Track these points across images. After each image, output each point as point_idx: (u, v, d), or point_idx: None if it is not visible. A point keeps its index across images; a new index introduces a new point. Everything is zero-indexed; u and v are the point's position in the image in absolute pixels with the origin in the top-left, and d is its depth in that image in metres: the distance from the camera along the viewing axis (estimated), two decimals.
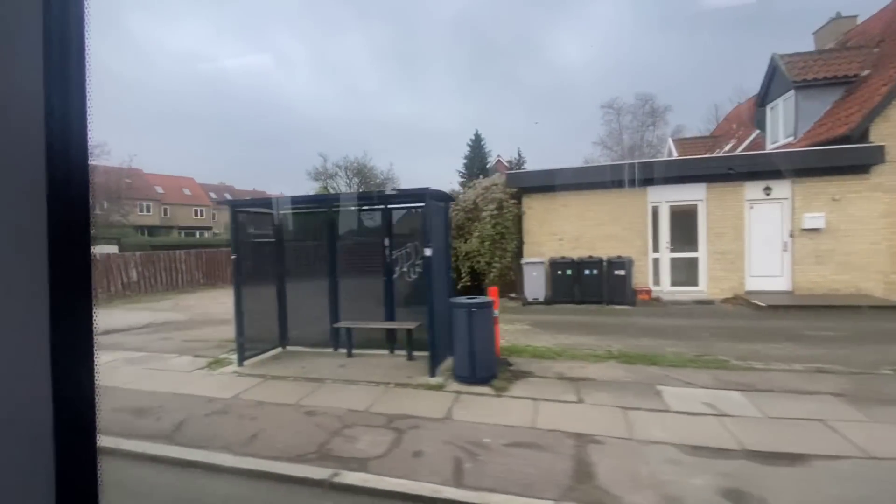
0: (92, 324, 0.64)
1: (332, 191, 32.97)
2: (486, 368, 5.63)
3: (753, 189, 10.82)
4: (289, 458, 3.91)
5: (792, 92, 12.98)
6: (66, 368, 0.59)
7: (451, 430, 4.36)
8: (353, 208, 7.53)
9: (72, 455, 0.59)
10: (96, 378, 0.64)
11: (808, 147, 11.61)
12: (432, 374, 5.91)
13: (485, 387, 5.51)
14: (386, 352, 7.26)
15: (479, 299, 5.73)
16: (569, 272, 11.04)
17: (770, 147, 14.39)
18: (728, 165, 10.71)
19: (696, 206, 11.21)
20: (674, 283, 11.41)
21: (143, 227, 40.56)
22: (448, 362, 6.28)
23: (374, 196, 7.02)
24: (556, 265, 11.17)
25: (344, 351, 7.37)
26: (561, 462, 3.74)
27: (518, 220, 12.12)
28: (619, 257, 10.81)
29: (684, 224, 11.36)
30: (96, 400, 0.65)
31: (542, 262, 11.18)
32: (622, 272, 10.69)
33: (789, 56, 13.41)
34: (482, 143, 34.58)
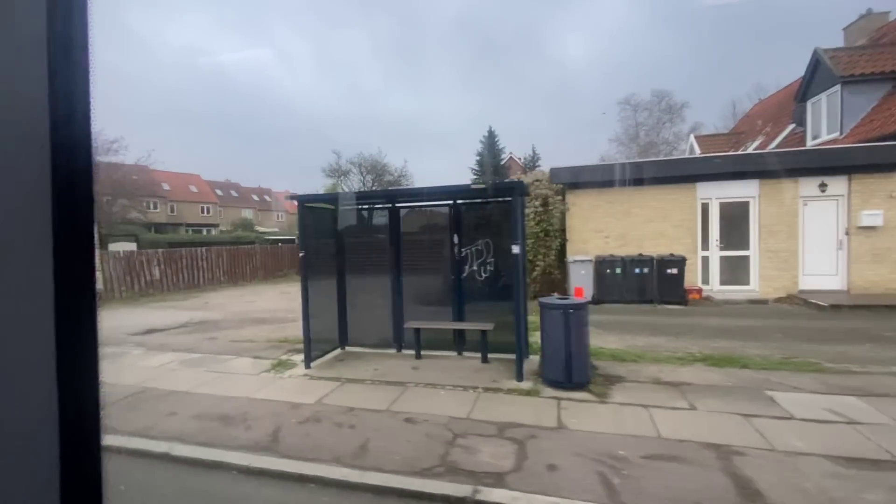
0: (96, 323, 0.65)
1: (345, 189, 32.61)
2: (581, 373, 5.33)
3: (808, 185, 10.53)
4: (414, 471, 3.61)
5: (837, 87, 12.70)
6: (70, 368, 0.59)
7: (574, 441, 4.07)
8: (417, 204, 7.21)
9: (76, 455, 0.60)
10: (101, 377, 0.65)
11: (858, 143, 11.33)
12: (520, 379, 5.62)
13: (582, 392, 5.21)
14: (454, 353, 6.96)
15: (574, 300, 5.43)
16: (617, 271, 10.74)
17: (811, 143, 14.11)
18: (785, 161, 10.40)
19: (747, 202, 10.92)
20: (723, 283, 11.14)
21: (151, 224, 40.09)
22: (529, 365, 5.98)
23: (441, 191, 6.68)
24: (603, 263, 10.87)
25: (409, 352, 7.07)
26: (715, 477, 3.45)
27: (562, 216, 11.81)
28: (672, 255, 10.52)
29: (735, 221, 11.08)
30: (101, 399, 0.64)
31: (590, 261, 10.88)
32: (674, 271, 10.40)
33: (833, 51, 13.13)
34: (496, 140, 34.25)
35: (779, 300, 10.58)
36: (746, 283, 11.02)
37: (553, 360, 5.42)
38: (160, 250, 16.71)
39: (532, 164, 34.80)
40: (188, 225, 45.50)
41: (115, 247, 18.27)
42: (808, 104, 14.24)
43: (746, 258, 11.02)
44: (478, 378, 5.82)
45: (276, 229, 51.19)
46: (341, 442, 4.13)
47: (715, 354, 6.57)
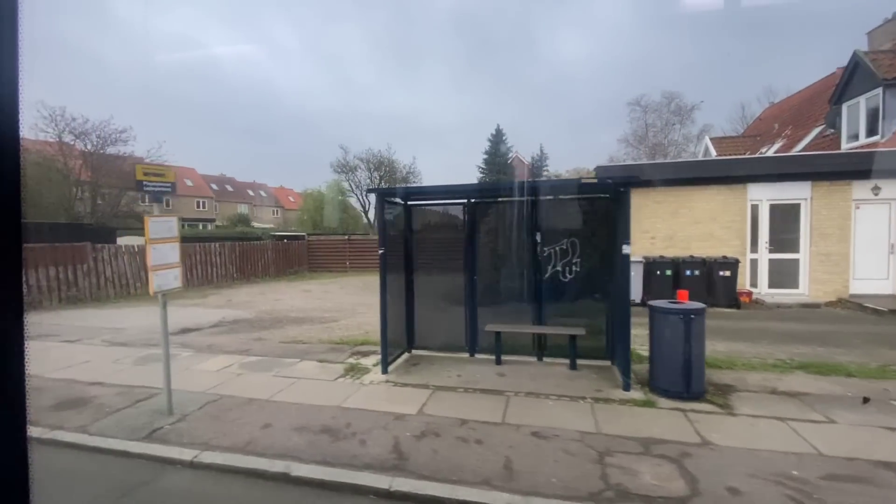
0: (22, 317, 0.63)
1: (352, 185, 32.05)
2: (699, 383, 5.00)
3: (861, 189, 10.39)
4: (581, 496, 3.23)
5: (879, 90, 12.61)
6: None
7: (733, 460, 3.72)
8: (496, 200, 6.80)
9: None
10: (26, 370, 0.64)
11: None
12: (626, 388, 5.26)
13: (703, 403, 4.88)
14: (533, 358, 6.58)
15: (692, 304, 5.09)
16: (668, 272, 10.48)
17: (846, 146, 14.03)
18: (838, 163, 10.24)
19: (798, 205, 10.75)
20: (771, 285, 10.95)
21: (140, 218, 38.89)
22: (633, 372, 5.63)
23: (524, 186, 6.29)
24: (653, 265, 10.59)
25: (483, 357, 6.70)
26: None
27: None
28: (725, 258, 10.29)
29: (784, 224, 10.89)
30: (26, 390, 0.64)
31: (639, 262, 10.58)
32: (727, 273, 10.17)
33: (874, 53, 13.04)
34: (504, 138, 33.94)
35: (829, 304, 10.42)
36: (795, 286, 10.84)
37: (666, 369, 5.08)
38: None
39: (540, 163, 34.58)
40: (184, 219, 44.27)
41: (123, 241, 17.47)
42: (844, 107, 14.16)
43: (796, 261, 10.84)
44: (575, 387, 5.45)
45: (271, 225, 50.20)
46: (479, 461, 3.72)
47: (809, 362, 6.30)
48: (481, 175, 34.55)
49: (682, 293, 5.61)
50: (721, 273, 10.21)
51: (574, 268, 6.52)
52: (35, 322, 9.79)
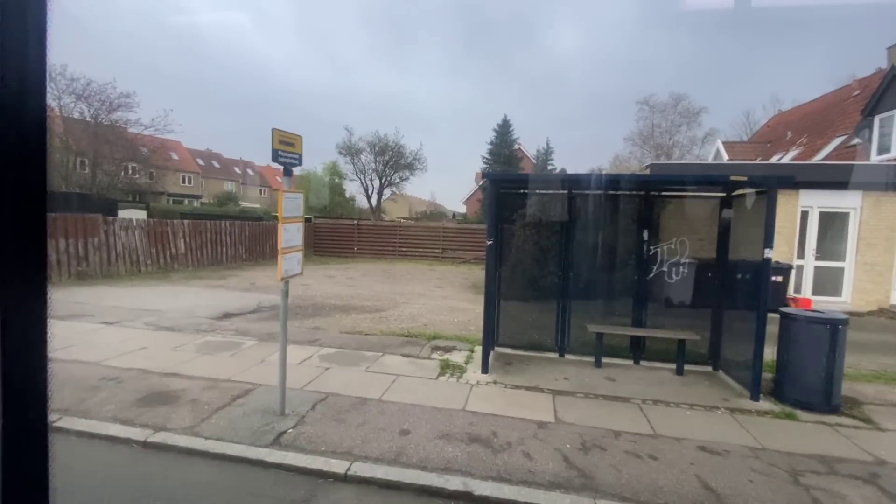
0: (46, 303, 0.62)
1: (356, 168, 31.11)
2: (838, 396, 4.81)
3: None
4: None
5: None
6: (16, 349, 0.58)
7: None
8: (600, 192, 6.42)
9: (21, 434, 0.59)
10: (49, 357, 0.63)
11: None
12: (755, 398, 5.03)
13: (842, 417, 4.69)
14: (629, 361, 6.30)
15: (836, 314, 4.87)
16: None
17: (876, 158, 14.24)
18: (891, 174, 10.28)
19: (847, 213, 10.79)
20: (815, 293, 11.00)
21: (130, 192, 36.90)
22: (744, 381, 5.41)
23: (637, 180, 5.95)
24: (706, 268, 10.44)
25: (574, 357, 6.39)
26: None
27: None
28: (778, 263, 10.22)
29: (832, 232, 10.93)
30: (48, 380, 0.62)
31: (693, 263, 10.41)
32: (779, 279, 10.12)
33: None
34: (510, 129, 33.47)
35: (871, 313, 10.54)
36: (838, 294, 10.93)
37: (803, 380, 4.86)
38: (186, 221, 15.03)
39: (546, 157, 34.32)
40: (169, 194, 42.32)
41: (124, 214, 16.34)
42: (877, 118, 14.33)
43: (841, 269, 10.91)
44: (697, 395, 5.19)
45: (258, 205, 48.64)
46: (672, 480, 3.39)
47: None
48: (485, 166, 34.06)
49: (806, 301, 5.42)
50: (773, 278, 10.15)
51: (682, 269, 6.24)
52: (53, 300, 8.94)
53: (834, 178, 10.57)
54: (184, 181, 46.53)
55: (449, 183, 72.08)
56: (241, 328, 7.41)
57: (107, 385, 4.79)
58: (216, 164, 54.91)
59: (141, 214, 17.54)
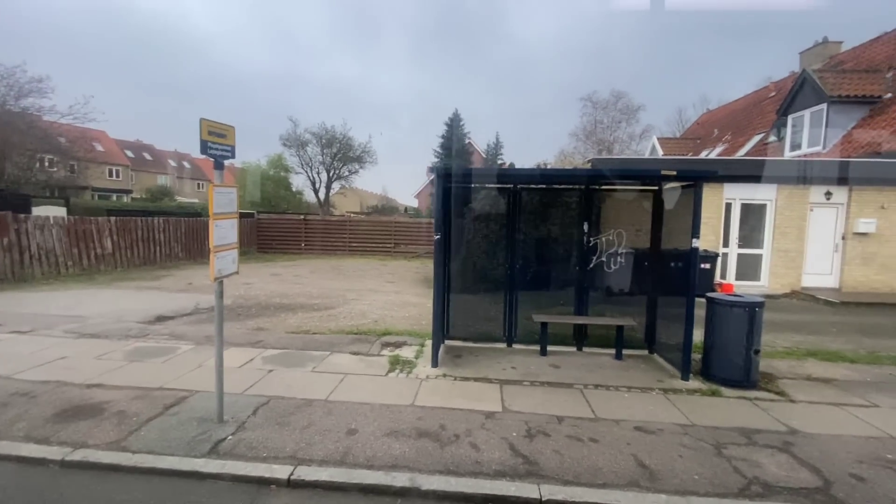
0: None
1: (301, 161, 30.00)
2: (756, 372, 5.26)
3: (816, 193, 11.62)
4: (731, 493, 3.20)
5: (823, 105, 14.15)
6: None
7: (831, 447, 3.91)
8: (543, 187, 6.58)
9: None
10: None
11: (840, 158, 12.73)
12: (685, 378, 5.40)
13: (761, 391, 5.14)
14: (572, 349, 6.56)
15: (754, 297, 5.30)
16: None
17: (789, 154, 15.65)
18: (801, 169, 11.34)
19: (765, 205, 11.79)
20: (738, 278, 11.96)
21: (47, 186, 33.46)
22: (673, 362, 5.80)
23: (577, 174, 6.17)
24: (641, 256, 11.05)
25: (521, 347, 6.57)
26: None
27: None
28: (706, 251, 11.01)
29: (752, 222, 11.91)
30: None
31: (631, 252, 10.98)
32: (707, 266, 10.90)
33: (820, 72, 14.56)
34: (461, 123, 33.66)
35: (785, 295, 11.63)
36: (757, 279, 11.95)
37: (726, 359, 5.28)
38: (113, 218, 13.85)
39: (496, 150, 34.86)
40: (94, 189, 38.80)
41: (39, 211, 14.80)
42: (790, 118, 15.74)
43: (760, 256, 11.93)
44: (635, 377, 5.50)
45: (196, 200, 45.90)
46: (610, 461, 3.56)
47: (813, 350, 6.92)
48: (436, 160, 34.08)
49: (728, 286, 5.85)
50: (702, 266, 10.92)
51: (619, 259, 6.55)
52: None
53: (753, 173, 11.52)
54: (111, 174, 42.96)
55: (403, 176, 71.63)
56: (176, 332, 6.95)
57: (18, 401, 4.32)
58: (148, 157, 51.13)
59: (60, 211, 15.97)
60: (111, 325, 7.20)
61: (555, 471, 3.41)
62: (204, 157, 3.75)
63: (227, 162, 3.80)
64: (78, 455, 3.45)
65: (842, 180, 11.40)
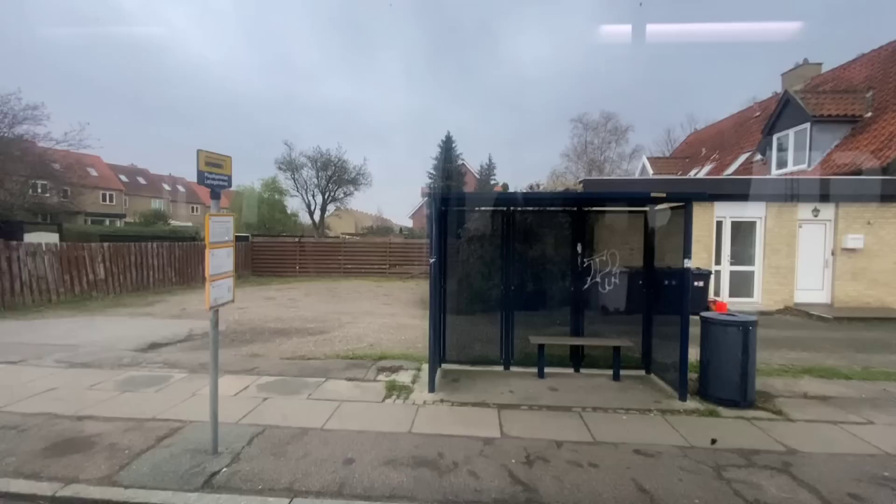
0: None
1: (297, 184, 30.19)
2: (753, 391, 5.27)
3: (804, 210, 11.84)
4: None
5: (807, 124, 14.54)
6: None
7: (828, 466, 3.91)
8: (536, 209, 6.68)
9: None
10: None
11: (824, 176, 13.03)
12: (683, 398, 5.39)
13: (759, 410, 5.14)
14: (570, 370, 6.54)
15: (747, 316, 5.35)
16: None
17: (775, 172, 15.99)
18: (789, 187, 11.58)
19: (755, 222, 11.98)
20: (731, 295, 12.05)
21: (40, 212, 33.33)
22: (671, 383, 5.80)
23: (569, 197, 6.28)
24: (634, 275, 11.14)
25: (519, 370, 6.54)
26: None
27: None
28: (699, 269, 11.12)
29: (743, 239, 12.08)
30: None
31: (626, 272, 11.06)
32: (700, 284, 11.00)
33: (803, 92, 15.01)
34: (453, 145, 34.12)
35: (779, 311, 11.71)
36: (750, 295, 12.05)
37: (723, 379, 5.29)
38: (106, 244, 13.79)
39: (489, 172, 35.28)
40: (87, 214, 38.71)
41: (32, 237, 14.73)
42: (774, 137, 16.14)
43: (751, 273, 12.06)
44: (633, 399, 5.49)
45: (189, 224, 45.83)
46: (610, 486, 3.53)
47: (809, 367, 6.94)
48: (430, 181, 34.42)
49: (721, 305, 5.90)
50: (696, 283, 11.01)
51: (614, 279, 6.61)
52: None
53: (741, 191, 11.74)
54: (105, 199, 42.91)
55: (398, 197, 72.16)
56: (169, 360, 6.87)
57: (7, 435, 4.24)
58: (142, 181, 51.20)
59: (52, 237, 15.92)
60: (103, 353, 7.11)
61: (555, 497, 3.37)
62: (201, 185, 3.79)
63: None
64: (69, 491, 3.37)
65: (828, 197, 11.65)
